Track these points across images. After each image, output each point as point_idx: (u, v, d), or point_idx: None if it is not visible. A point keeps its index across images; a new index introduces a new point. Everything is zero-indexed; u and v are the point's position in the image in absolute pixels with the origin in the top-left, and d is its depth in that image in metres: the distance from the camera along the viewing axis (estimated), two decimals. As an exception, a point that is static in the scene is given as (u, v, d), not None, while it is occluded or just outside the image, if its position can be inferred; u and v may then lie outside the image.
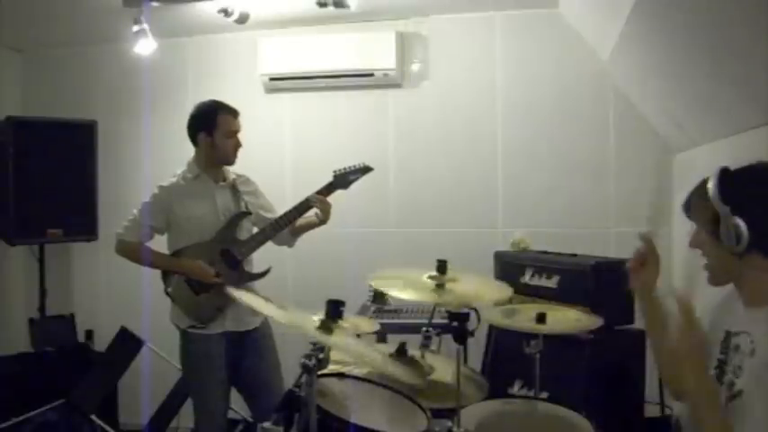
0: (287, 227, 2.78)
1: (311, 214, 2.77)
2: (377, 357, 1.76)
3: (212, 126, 2.70)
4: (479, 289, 2.12)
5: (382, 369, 1.81)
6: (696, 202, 1.45)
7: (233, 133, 2.73)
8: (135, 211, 2.72)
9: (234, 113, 2.74)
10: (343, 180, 2.79)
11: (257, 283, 2.82)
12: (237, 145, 2.75)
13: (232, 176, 2.82)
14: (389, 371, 1.73)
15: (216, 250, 2.69)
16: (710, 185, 1.36)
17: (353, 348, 1.70)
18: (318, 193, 2.74)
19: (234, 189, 2.79)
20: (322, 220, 2.75)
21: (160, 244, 2.75)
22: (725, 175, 1.37)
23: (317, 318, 1.67)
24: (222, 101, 2.76)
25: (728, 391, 1.36)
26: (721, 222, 1.35)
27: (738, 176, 1.38)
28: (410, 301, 3.09)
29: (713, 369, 1.42)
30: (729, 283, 1.47)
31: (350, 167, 2.80)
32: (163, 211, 2.70)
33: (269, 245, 2.83)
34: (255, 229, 2.81)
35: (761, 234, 1.33)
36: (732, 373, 1.37)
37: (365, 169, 2.82)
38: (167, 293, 2.72)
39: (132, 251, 2.70)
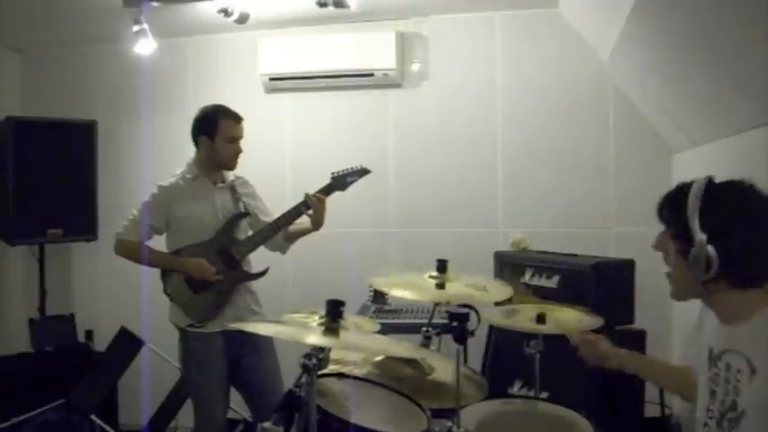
0: (286, 227, 2.78)
1: (305, 220, 2.77)
2: (387, 347, 1.80)
3: (213, 130, 2.71)
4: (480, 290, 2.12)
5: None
6: (670, 210, 1.38)
7: (234, 139, 2.73)
8: (134, 210, 2.72)
9: (236, 119, 2.75)
10: (341, 182, 2.79)
11: (255, 283, 2.82)
12: (238, 151, 2.76)
13: (231, 178, 2.83)
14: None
15: (214, 250, 2.69)
16: (691, 204, 1.30)
17: (364, 344, 1.71)
18: (316, 194, 2.74)
19: (233, 190, 2.80)
20: (316, 222, 2.75)
21: (159, 245, 2.76)
22: (709, 199, 1.30)
23: (316, 322, 1.67)
24: (227, 106, 2.77)
25: (731, 412, 1.32)
26: (694, 246, 1.30)
27: (722, 203, 1.31)
28: (410, 301, 3.10)
29: (706, 390, 1.40)
30: (692, 299, 1.43)
31: (348, 169, 2.81)
32: (162, 211, 2.70)
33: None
34: (251, 232, 2.81)
35: (731, 268, 1.29)
36: (733, 393, 1.33)
37: (363, 171, 2.83)
38: (166, 293, 2.72)
39: (132, 250, 2.70)
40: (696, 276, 1.32)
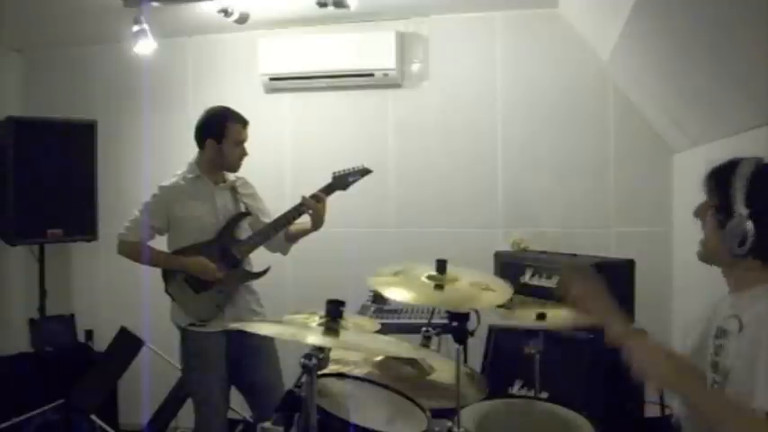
0: (287, 227, 2.78)
1: (306, 220, 2.77)
2: (387, 347, 1.79)
3: (222, 134, 2.71)
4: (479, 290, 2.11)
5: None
6: (716, 181, 1.41)
7: (240, 142, 2.75)
8: (136, 211, 2.73)
9: (243, 123, 2.76)
10: (342, 181, 2.79)
11: (256, 283, 2.82)
12: (243, 154, 2.77)
13: (231, 178, 2.84)
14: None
15: (215, 250, 2.69)
16: (739, 179, 1.33)
17: (364, 344, 1.72)
18: (317, 193, 2.75)
19: (233, 191, 2.80)
20: (316, 221, 2.75)
21: (161, 245, 2.76)
22: (759, 175, 1.34)
23: (316, 322, 1.67)
24: (233, 108, 2.77)
25: (722, 376, 1.36)
26: (733, 219, 1.33)
27: None
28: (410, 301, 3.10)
29: (709, 365, 1.43)
30: (715, 265, 1.47)
31: (349, 169, 2.81)
32: (163, 211, 2.71)
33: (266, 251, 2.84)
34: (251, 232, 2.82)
35: (765, 246, 1.32)
36: (723, 357, 1.37)
37: (364, 171, 2.83)
38: (168, 292, 2.72)
39: (134, 251, 2.71)
40: (728, 248, 1.35)
